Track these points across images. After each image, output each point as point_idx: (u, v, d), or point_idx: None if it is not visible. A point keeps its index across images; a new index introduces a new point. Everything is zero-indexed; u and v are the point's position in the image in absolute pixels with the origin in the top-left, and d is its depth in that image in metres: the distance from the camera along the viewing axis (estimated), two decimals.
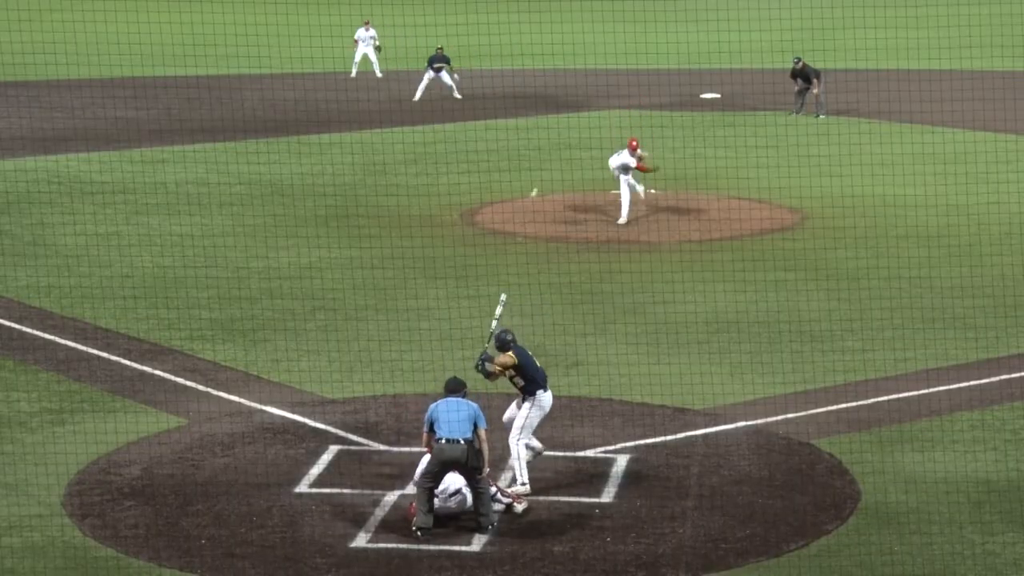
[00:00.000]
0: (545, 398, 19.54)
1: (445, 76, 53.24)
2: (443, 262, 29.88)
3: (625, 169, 33.56)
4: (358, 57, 59.03)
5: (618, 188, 33.86)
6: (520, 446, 19.54)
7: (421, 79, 53.46)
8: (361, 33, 58.92)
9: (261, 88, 55.99)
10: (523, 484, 19.55)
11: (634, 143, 33.97)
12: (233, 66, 56.56)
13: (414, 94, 53.10)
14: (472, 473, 18.50)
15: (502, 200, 35.76)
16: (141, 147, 43.53)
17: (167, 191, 37.43)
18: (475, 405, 18.66)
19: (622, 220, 33.50)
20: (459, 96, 52.77)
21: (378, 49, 58.60)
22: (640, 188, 34.48)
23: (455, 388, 18.86)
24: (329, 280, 28.98)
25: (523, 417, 19.53)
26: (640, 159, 33.71)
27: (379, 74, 58.39)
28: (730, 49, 59.14)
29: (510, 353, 19.28)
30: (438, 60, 53.24)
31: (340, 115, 48.00)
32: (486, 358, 19.41)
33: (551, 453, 20.37)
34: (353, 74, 58.83)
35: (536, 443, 19.97)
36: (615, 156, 33.93)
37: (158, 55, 57.69)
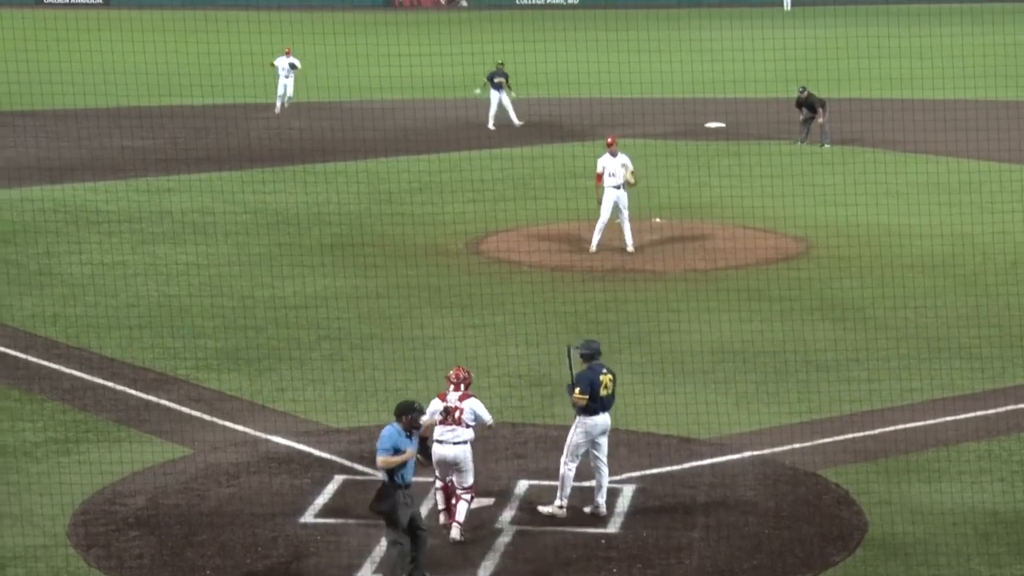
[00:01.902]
0: (590, 422, 19.47)
1: (505, 97, 52.55)
2: (448, 291, 29.84)
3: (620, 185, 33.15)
4: (281, 89, 56.83)
5: (620, 215, 33.36)
6: (567, 469, 19.51)
7: (488, 104, 52.58)
8: (281, 61, 56.83)
9: (267, 117, 56.02)
10: (560, 507, 19.51)
11: (611, 140, 33.56)
12: (239, 95, 56.74)
13: (487, 121, 52.34)
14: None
15: (507, 229, 35.73)
16: (147, 176, 43.51)
17: (173, 220, 37.41)
18: (384, 429, 17.87)
19: (630, 247, 33.39)
20: (518, 122, 52.19)
21: (291, 68, 56.45)
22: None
23: (396, 413, 18.02)
24: (334, 309, 28.94)
25: (569, 437, 19.67)
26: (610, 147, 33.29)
27: (288, 102, 56.56)
28: (735, 78, 59.22)
29: (586, 396, 19.39)
30: (498, 75, 52.41)
31: (345, 144, 48.00)
32: (571, 389, 19.64)
33: (557, 483, 20.22)
34: (287, 102, 56.84)
35: (601, 501, 19.74)
36: (610, 175, 33.27)
37: (164, 85, 57.74)
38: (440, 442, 19.12)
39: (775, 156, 45.58)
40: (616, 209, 33.31)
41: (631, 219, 33.67)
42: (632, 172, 33.53)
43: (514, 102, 53.09)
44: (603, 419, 19.66)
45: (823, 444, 22.10)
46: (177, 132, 52.68)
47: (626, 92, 53.77)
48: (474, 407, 19.23)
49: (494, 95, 52.71)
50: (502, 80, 52.54)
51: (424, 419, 18.84)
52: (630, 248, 33.34)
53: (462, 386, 19.30)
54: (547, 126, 53.02)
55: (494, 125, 52.36)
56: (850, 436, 22.40)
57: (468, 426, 19.16)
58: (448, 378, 19.47)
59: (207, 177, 43.41)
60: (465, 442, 19.15)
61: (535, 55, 53.21)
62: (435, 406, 19.23)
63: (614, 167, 33.38)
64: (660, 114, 49.38)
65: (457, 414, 19.14)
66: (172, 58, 55.47)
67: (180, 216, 37.82)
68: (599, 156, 34.25)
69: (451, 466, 19.15)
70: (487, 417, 19.33)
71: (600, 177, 33.53)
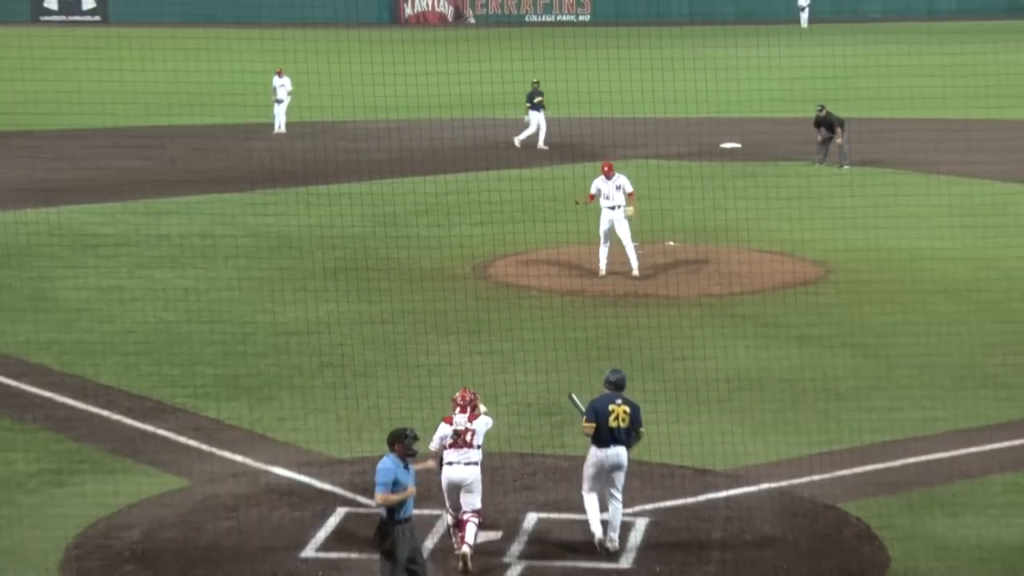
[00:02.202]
0: (600, 455, 19.46)
1: (543, 118, 52.76)
2: (455, 316, 29.72)
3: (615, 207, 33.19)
4: (277, 109, 56.81)
5: (620, 238, 33.32)
6: (585, 497, 19.53)
7: (526, 123, 52.80)
8: (276, 82, 56.77)
9: (268, 137, 56.00)
10: (594, 533, 19.41)
11: (607, 167, 33.58)
12: (240, 115, 56.73)
13: (519, 137, 52.64)
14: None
15: (516, 252, 35.64)
16: (145, 198, 43.46)
17: (171, 243, 37.37)
18: (380, 462, 17.66)
19: (635, 271, 33.36)
20: (544, 146, 52.51)
21: (278, 102, 56.63)
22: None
23: (389, 442, 17.82)
24: (337, 335, 28.86)
25: (583, 467, 19.70)
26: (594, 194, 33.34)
27: (282, 129, 56.48)
28: (750, 97, 59.19)
29: (592, 424, 19.45)
30: (537, 94, 52.78)
31: (349, 165, 47.95)
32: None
33: (567, 516, 20.17)
34: (280, 129, 56.60)
35: (614, 535, 19.61)
36: (604, 197, 33.35)
37: (163, 104, 57.85)
38: (451, 464, 19.16)
39: (792, 177, 45.36)
40: (613, 231, 33.33)
41: (634, 241, 33.65)
42: (631, 196, 33.46)
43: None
44: (614, 452, 19.53)
45: (843, 476, 21.96)
46: (176, 153, 52.70)
47: (639, 111, 53.66)
48: (484, 423, 19.36)
49: (534, 116, 53.03)
50: (541, 99, 52.90)
51: (433, 446, 19.00)
52: (635, 272, 33.28)
53: (469, 408, 19.35)
54: (557, 147, 52.98)
55: (520, 143, 52.70)
56: (871, 468, 22.27)
57: (478, 447, 19.22)
58: (455, 400, 19.52)
59: (207, 199, 43.36)
60: (476, 463, 19.20)
61: (545, 73, 53.25)
62: (443, 431, 19.27)
63: (608, 190, 33.48)
64: (674, 134, 49.31)
65: (469, 436, 19.20)
66: (171, 76, 55.44)
67: (179, 239, 37.76)
68: (590, 179, 34.25)
69: (461, 487, 19.14)
70: (492, 424, 19.57)
71: (592, 197, 33.67)
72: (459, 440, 19.18)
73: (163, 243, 37.49)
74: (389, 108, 58.14)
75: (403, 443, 17.65)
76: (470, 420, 19.27)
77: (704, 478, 21.93)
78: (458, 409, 19.37)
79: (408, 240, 37.50)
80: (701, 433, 23.16)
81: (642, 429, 19.79)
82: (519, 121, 53.88)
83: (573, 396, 20.09)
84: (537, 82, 52.79)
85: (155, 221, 40.17)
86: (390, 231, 38.73)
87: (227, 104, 51.88)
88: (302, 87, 58.30)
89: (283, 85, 56.92)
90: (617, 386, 19.72)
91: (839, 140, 48.93)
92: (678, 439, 22.59)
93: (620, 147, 49.94)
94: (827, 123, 49.34)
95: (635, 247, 33.61)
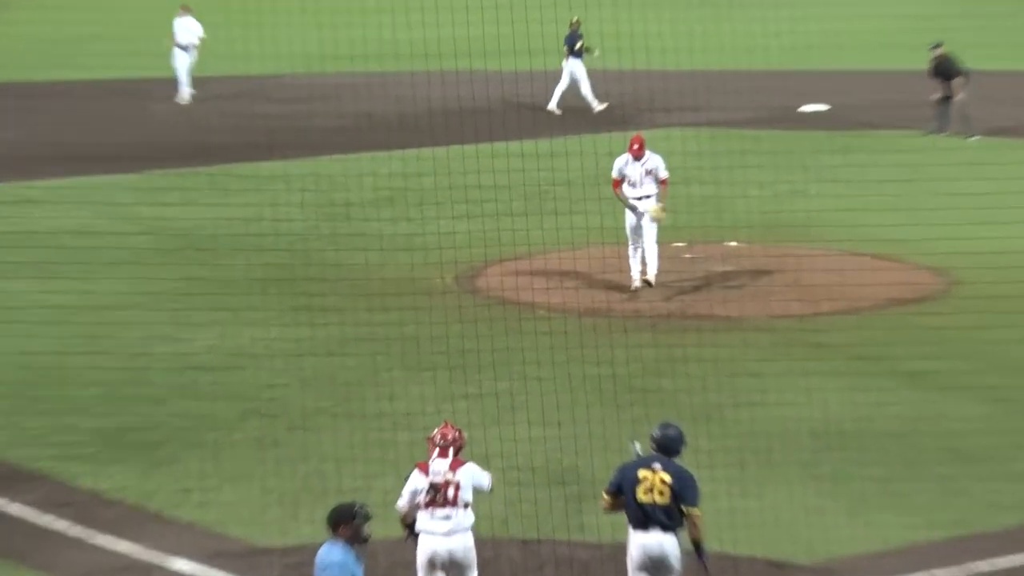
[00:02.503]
0: (634, 541, 19.29)
1: (582, 70, 54.31)
2: (430, 345, 29.80)
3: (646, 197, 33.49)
4: (179, 66, 55.80)
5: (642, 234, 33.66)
6: None
7: (559, 78, 54.34)
8: (178, 24, 55.77)
9: (173, 96, 55.94)
10: None
11: (638, 144, 33.83)
12: (134, 67, 56.64)
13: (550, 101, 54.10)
14: None
15: (515, 257, 35.49)
16: (2, 181, 43.70)
17: (37, 244, 37.42)
18: (326, 555, 17.50)
19: (651, 275, 33.59)
20: (598, 106, 54.01)
21: (182, 48, 55.69)
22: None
23: (331, 524, 17.71)
24: (267, 372, 29.00)
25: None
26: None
27: (186, 99, 56.02)
28: (841, 42, 59.17)
29: (609, 497, 19.49)
30: (575, 38, 54.38)
31: (286, 135, 47.92)
32: None
33: None
34: (184, 98, 56.18)
35: None
36: (630, 184, 33.70)
37: (28, 53, 57.87)
38: (431, 533, 19.19)
39: (899, 152, 45.49)
40: (639, 228, 33.67)
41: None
42: (663, 184, 33.70)
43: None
44: (655, 541, 19.27)
45: (978, 571, 21.96)
46: (44, 119, 52.74)
47: (686, 63, 53.66)
48: (472, 475, 19.38)
49: (578, 66, 54.37)
50: (583, 43, 54.48)
51: (401, 505, 19.22)
52: (650, 276, 33.50)
53: (450, 451, 19.36)
54: (575, 110, 53.01)
55: (559, 107, 54.03)
56: (1016, 558, 22.22)
57: (467, 506, 19.25)
58: (431, 440, 19.57)
59: (87, 183, 43.51)
60: (466, 530, 19.26)
61: (558, 11, 53.01)
62: (415, 484, 19.34)
63: (636, 175, 33.75)
64: (736, 92, 49.46)
65: (451, 492, 19.24)
66: (40, 15, 55.40)
67: (48, 238, 37.86)
68: (617, 156, 34.36)
69: (448, 566, 19.20)
70: (485, 483, 19.59)
71: (618, 184, 33.89)
72: (438, 497, 19.22)
73: (25, 243, 37.57)
74: (340, 58, 57.96)
75: (350, 524, 17.43)
76: (452, 469, 19.28)
77: (782, 574, 21.90)
78: (436, 452, 19.38)
79: (366, 239, 37.43)
80: (776, 510, 23.17)
81: (695, 509, 19.37)
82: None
83: (635, 445, 19.70)
84: (577, 21, 53.75)
85: (15, 213, 40.36)
86: (341, 227, 38.75)
87: (117, 53, 51.97)
88: (220, 29, 58.01)
89: (188, 28, 56.18)
90: (663, 447, 19.46)
91: (958, 96, 48.69)
92: (744, 519, 22.59)
93: (661, 111, 49.94)
94: (943, 71, 49.11)
95: (669, 249, 33.79)
